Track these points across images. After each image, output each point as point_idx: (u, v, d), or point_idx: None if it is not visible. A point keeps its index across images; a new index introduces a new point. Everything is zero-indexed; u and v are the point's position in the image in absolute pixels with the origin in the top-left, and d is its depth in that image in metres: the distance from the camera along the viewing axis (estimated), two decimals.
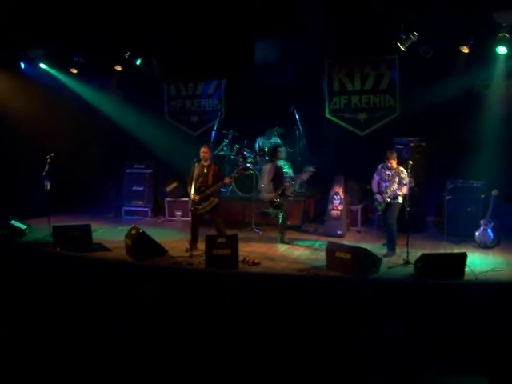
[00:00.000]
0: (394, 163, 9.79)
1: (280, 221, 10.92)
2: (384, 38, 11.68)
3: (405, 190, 9.58)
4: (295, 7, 11.27)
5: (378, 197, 9.91)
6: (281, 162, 11.22)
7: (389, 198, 9.72)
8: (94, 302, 8.09)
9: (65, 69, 13.89)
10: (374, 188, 10.02)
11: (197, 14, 11.88)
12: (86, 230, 10.39)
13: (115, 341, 6.75)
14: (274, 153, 11.21)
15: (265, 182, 10.90)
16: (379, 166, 10.04)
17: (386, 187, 9.80)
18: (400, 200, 9.72)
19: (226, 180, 10.29)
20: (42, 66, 13.82)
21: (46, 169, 10.97)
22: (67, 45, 13.17)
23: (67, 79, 14.18)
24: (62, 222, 11.36)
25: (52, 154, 11.07)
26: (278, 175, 10.83)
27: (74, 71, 13.80)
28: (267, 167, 11.05)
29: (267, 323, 7.16)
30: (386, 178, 9.87)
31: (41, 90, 13.87)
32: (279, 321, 7.20)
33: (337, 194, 11.21)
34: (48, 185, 10.98)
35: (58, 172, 11.53)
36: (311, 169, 10.84)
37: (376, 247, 10.04)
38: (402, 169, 9.80)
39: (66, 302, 8.12)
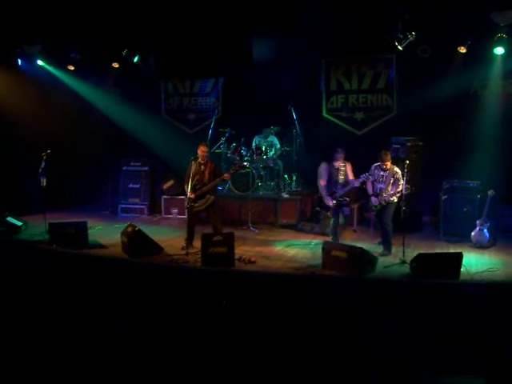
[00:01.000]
0: (388, 164, 9.72)
1: (331, 222, 10.38)
2: (381, 37, 11.72)
3: (399, 194, 9.53)
4: (293, 6, 11.27)
5: (373, 200, 9.82)
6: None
7: (384, 201, 9.67)
8: (89, 299, 8.08)
9: (62, 65, 13.91)
10: (369, 190, 9.93)
11: (195, 12, 11.88)
12: (82, 227, 10.37)
13: (110, 338, 6.74)
14: (332, 153, 10.30)
15: (319, 183, 10.33)
16: (372, 167, 9.88)
17: (381, 190, 9.67)
18: (395, 199, 9.68)
19: (225, 175, 10.28)
20: (39, 62, 13.82)
21: (43, 165, 10.96)
22: (64, 41, 13.18)
23: (64, 76, 14.19)
24: (57, 218, 11.36)
25: (48, 151, 11.07)
26: (331, 175, 10.18)
27: (71, 68, 13.81)
28: (321, 167, 10.35)
29: (263, 322, 7.16)
30: (381, 179, 9.73)
31: (37, 87, 13.89)
32: (275, 319, 7.20)
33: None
34: (44, 181, 10.98)
35: (55, 169, 11.52)
36: (367, 175, 9.80)
37: (372, 246, 10.04)
38: (396, 169, 9.70)
39: (62, 299, 8.10)
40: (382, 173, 9.76)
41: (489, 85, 12.13)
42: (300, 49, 12.73)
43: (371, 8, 10.97)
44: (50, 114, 13.85)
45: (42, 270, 9.16)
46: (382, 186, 9.71)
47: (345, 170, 10.17)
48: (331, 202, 10.04)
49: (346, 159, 10.26)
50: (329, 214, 10.40)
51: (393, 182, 9.64)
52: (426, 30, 11.06)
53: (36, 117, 13.44)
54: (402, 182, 9.49)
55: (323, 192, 10.24)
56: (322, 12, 11.25)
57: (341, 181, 10.09)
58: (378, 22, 11.34)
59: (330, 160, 10.24)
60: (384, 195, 9.63)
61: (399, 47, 11.39)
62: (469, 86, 12.26)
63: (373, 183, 9.85)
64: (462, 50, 11.25)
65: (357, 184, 9.91)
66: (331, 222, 10.34)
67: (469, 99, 12.21)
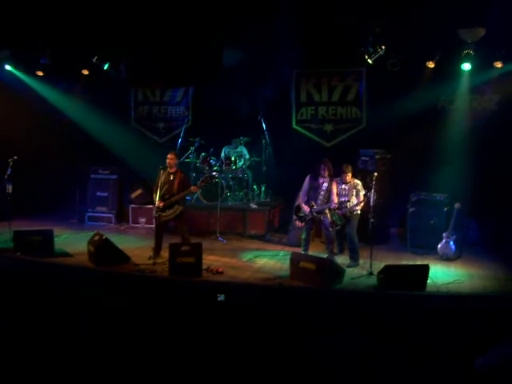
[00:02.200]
0: (349, 176, 9.87)
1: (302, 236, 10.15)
2: (352, 50, 11.83)
3: (363, 204, 9.69)
4: (265, 17, 11.32)
5: (338, 212, 9.90)
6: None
7: (349, 212, 9.77)
8: (54, 308, 7.95)
9: (31, 71, 13.71)
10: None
11: (167, 21, 11.86)
12: (48, 235, 10.23)
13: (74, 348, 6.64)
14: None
15: (300, 192, 10.06)
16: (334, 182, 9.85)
17: (345, 202, 9.75)
18: (359, 211, 9.80)
19: (193, 188, 10.23)
20: (7, 67, 13.61)
21: (9, 172, 10.80)
22: (34, 47, 13.01)
23: (33, 82, 13.99)
24: (23, 226, 11.17)
25: (15, 157, 10.91)
26: (313, 189, 9.79)
27: (40, 74, 13.62)
28: (306, 179, 10.02)
29: (230, 332, 7.12)
30: (343, 192, 9.94)
31: (5, 92, 13.68)
32: (242, 330, 7.17)
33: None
34: (10, 188, 10.81)
35: (21, 175, 11.35)
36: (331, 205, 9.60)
37: (341, 258, 10.11)
38: (356, 181, 9.94)
39: (26, 308, 7.96)
40: (343, 186, 9.97)
41: (456, 100, 12.33)
42: (271, 60, 12.77)
43: (342, 21, 11.07)
44: (17, 119, 13.66)
45: (5, 278, 9.00)
46: (345, 198, 9.80)
47: (328, 187, 9.68)
48: (307, 209, 9.75)
49: (331, 176, 9.78)
50: (302, 224, 10.02)
51: (355, 193, 9.85)
52: (396, 45, 11.22)
53: (3, 122, 13.25)
54: (363, 192, 9.73)
55: (300, 200, 9.92)
56: (294, 24, 11.32)
57: (321, 197, 9.69)
58: (348, 35, 11.45)
59: (316, 174, 9.84)
60: (348, 207, 9.70)
61: (369, 61, 11.52)
62: (437, 100, 12.44)
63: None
64: (431, 64, 11.41)
65: (334, 206, 9.58)
66: (303, 233, 10.14)
67: (436, 113, 12.38)
